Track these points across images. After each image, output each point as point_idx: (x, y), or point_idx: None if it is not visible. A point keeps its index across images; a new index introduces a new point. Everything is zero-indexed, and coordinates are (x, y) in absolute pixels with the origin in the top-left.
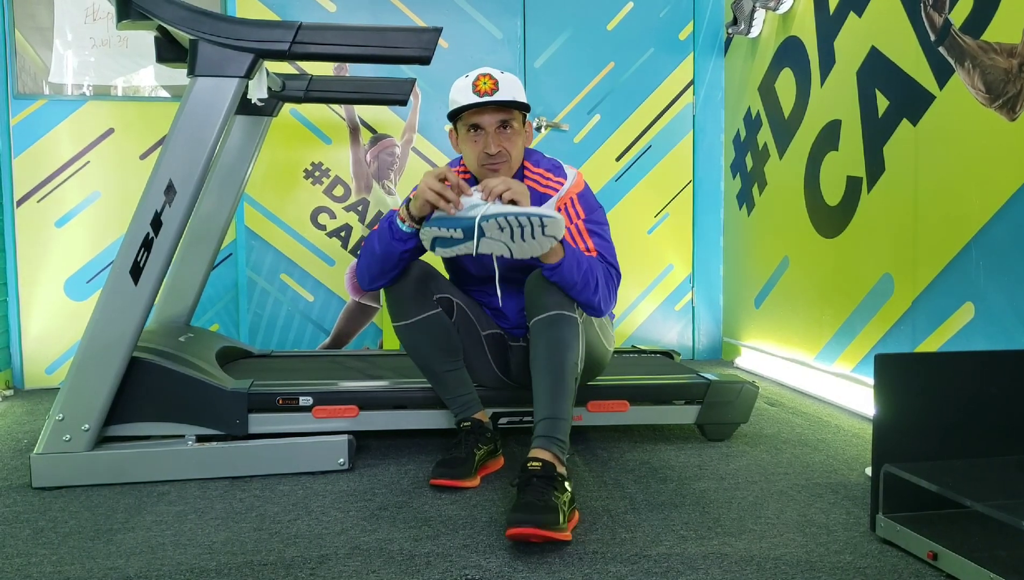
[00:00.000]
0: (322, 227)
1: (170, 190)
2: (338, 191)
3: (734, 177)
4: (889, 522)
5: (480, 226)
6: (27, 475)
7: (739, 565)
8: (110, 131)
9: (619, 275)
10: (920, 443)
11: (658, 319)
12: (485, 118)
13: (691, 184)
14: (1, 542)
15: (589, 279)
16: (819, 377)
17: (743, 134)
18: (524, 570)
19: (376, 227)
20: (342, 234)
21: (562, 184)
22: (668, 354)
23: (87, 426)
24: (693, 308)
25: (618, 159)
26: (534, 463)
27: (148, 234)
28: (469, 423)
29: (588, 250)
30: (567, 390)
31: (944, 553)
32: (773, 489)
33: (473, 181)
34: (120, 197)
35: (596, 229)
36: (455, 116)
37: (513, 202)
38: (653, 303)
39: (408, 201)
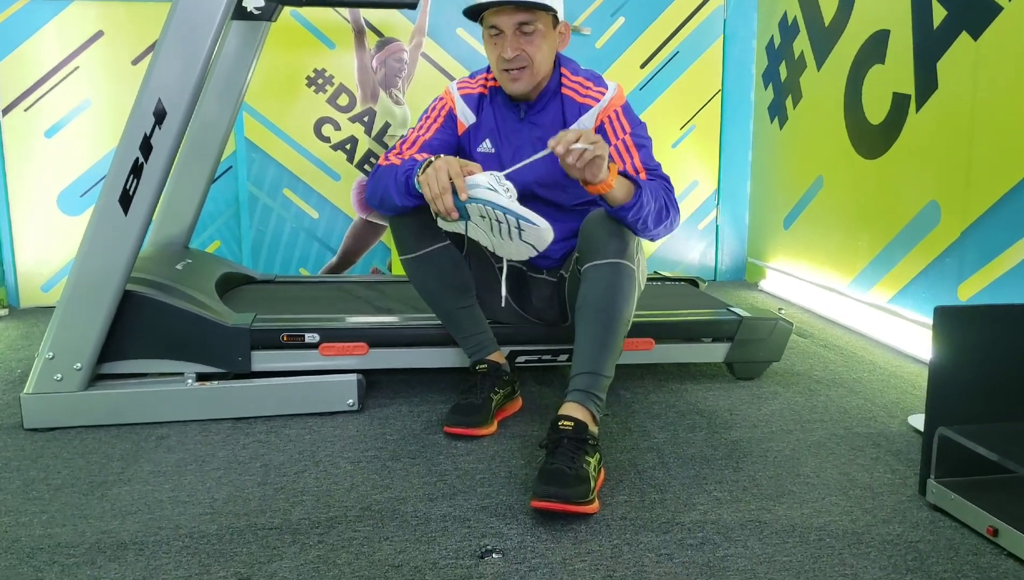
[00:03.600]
0: (326, 139)
1: (160, 111)
2: (343, 100)
3: (766, 87)
4: (941, 489)
5: (466, 207)
6: (19, 413)
7: (780, 536)
8: (99, 34)
9: (673, 190)
10: (977, 403)
11: (680, 238)
12: (502, 19)
13: (719, 94)
14: None
15: (661, 213)
16: (852, 306)
17: (777, 41)
18: (548, 539)
19: (392, 158)
20: (347, 147)
21: (603, 94)
22: (693, 282)
23: (79, 365)
24: (717, 227)
25: (642, 66)
26: (566, 422)
27: (137, 159)
28: (485, 366)
29: (636, 169)
30: (615, 345)
31: (1006, 530)
32: (810, 440)
33: (499, 93)
34: (112, 105)
35: (642, 143)
36: (476, 15)
37: (594, 160)
38: None
39: (425, 164)
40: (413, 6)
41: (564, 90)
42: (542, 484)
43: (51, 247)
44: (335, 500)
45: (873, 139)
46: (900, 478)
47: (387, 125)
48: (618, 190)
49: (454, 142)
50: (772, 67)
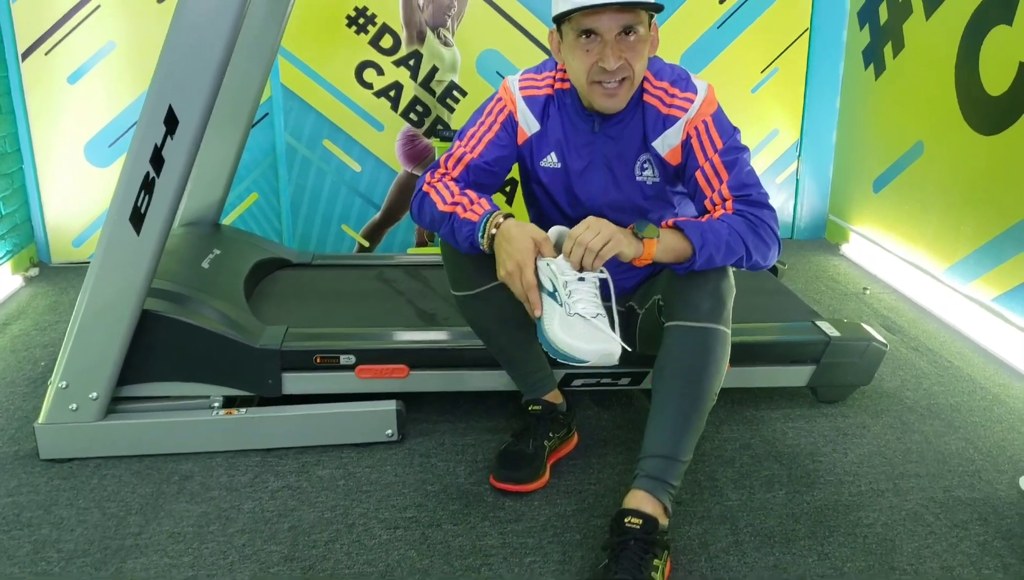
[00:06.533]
0: (369, 85)
1: (171, 119)
2: (386, 42)
3: (861, 28)
4: None
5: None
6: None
7: None
8: None
9: (772, 212)
10: None
11: None
12: (604, 21)
13: (807, 33)
14: None
15: (742, 258)
16: (948, 296)
17: None
18: None
19: (436, 183)
20: (391, 94)
21: (691, 101)
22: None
23: (95, 394)
24: (797, 180)
25: (722, 1)
26: (633, 520)
27: (148, 173)
28: (539, 407)
29: (723, 197)
30: (698, 425)
31: None
32: (905, 508)
33: (570, 96)
34: (138, 48)
35: (735, 158)
36: (561, 16)
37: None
38: None
39: (486, 233)
40: None
41: (646, 97)
42: None
43: (80, 200)
44: None
45: (990, 112)
46: (1013, 578)
47: (435, 69)
48: (666, 253)
49: (510, 155)
50: (870, 5)
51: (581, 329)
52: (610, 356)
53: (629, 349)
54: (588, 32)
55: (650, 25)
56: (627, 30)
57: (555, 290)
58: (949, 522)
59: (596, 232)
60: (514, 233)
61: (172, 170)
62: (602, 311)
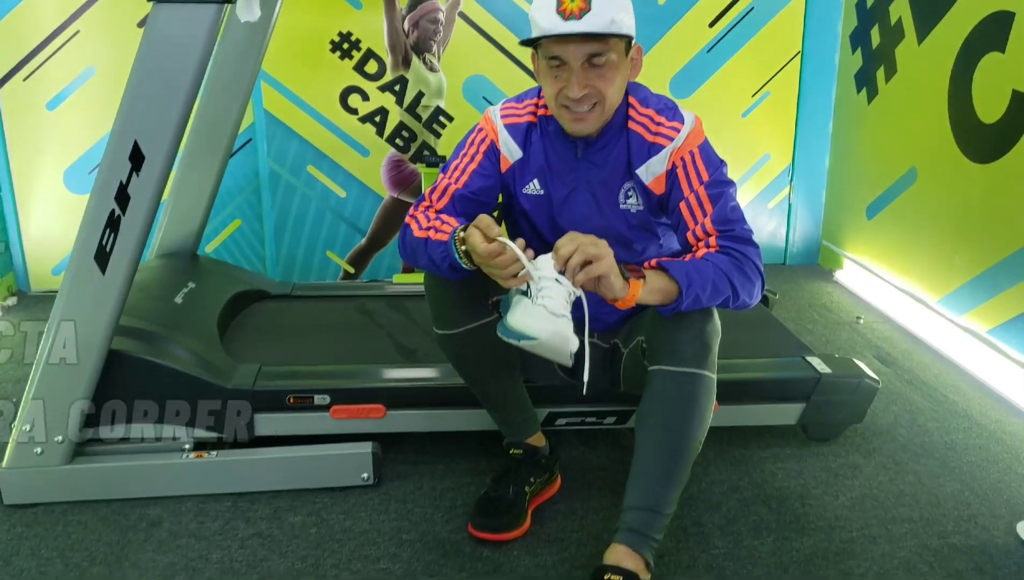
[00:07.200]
0: (353, 111)
1: (137, 155)
2: (371, 67)
3: (853, 52)
4: None
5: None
6: None
7: None
8: None
9: (756, 249)
10: None
11: (747, 217)
12: (569, 49)
13: (799, 56)
14: None
15: (728, 299)
16: (942, 326)
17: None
18: None
19: (421, 215)
20: (376, 119)
21: (677, 130)
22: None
23: (60, 438)
24: (790, 205)
25: (711, 25)
26: (613, 577)
27: (113, 211)
28: (520, 451)
29: (707, 232)
30: (682, 475)
31: None
32: (898, 556)
33: (552, 122)
34: (118, 73)
35: (720, 192)
36: (532, 41)
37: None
38: (743, 199)
39: (458, 249)
40: None
41: (631, 124)
42: None
43: (60, 227)
44: None
45: (984, 140)
46: None
47: (420, 95)
48: (651, 295)
49: (495, 185)
50: (862, 29)
51: (540, 314)
52: (565, 341)
53: (585, 379)
54: (556, 58)
55: (628, 50)
56: (595, 57)
57: (527, 289)
58: (944, 571)
59: (594, 243)
60: (473, 224)
61: (138, 207)
62: (568, 316)
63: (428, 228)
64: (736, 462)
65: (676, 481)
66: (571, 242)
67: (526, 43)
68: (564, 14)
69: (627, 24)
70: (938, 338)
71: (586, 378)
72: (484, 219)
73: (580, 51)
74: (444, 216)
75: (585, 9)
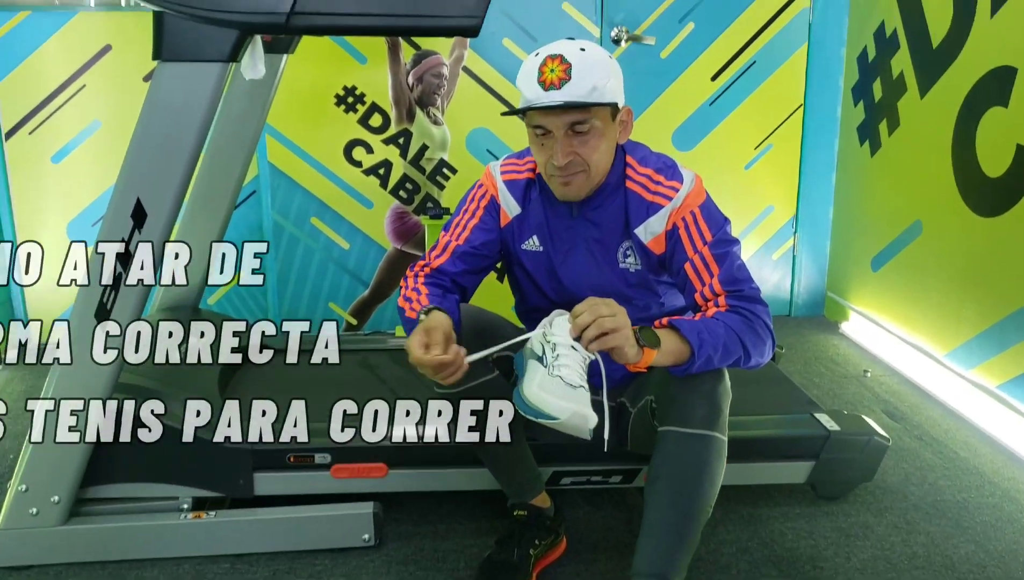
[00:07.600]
0: (358, 163)
1: (139, 213)
2: (375, 120)
3: (856, 104)
4: None
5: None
6: None
7: None
8: (107, 48)
9: (765, 307)
10: None
11: (752, 269)
12: (551, 119)
13: (801, 109)
14: None
15: (740, 359)
16: (951, 381)
17: (872, 53)
18: None
19: (419, 272)
20: (380, 172)
21: (676, 189)
22: None
23: (57, 498)
24: (794, 256)
25: (714, 78)
26: None
27: (115, 268)
28: (524, 512)
29: (715, 293)
30: (693, 540)
31: None
32: None
33: (544, 189)
34: (123, 126)
35: (725, 251)
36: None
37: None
38: (747, 251)
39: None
40: (475, 33)
41: (630, 184)
42: None
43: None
44: None
45: (988, 194)
46: None
47: (424, 148)
48: (664, 357)
49: (496, 239)
50: (864, 82)
51: (558, 389)
52: (584, 419)
53: (606, 437)
54: (540, 127)
55: (615, 116)
56: (577, 125)
57: (543, 354)
58: None
59: (613, 314)
60: (422, 326)
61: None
62: (585, 386)
63: (407, 298)
64: (745, 521)
65: (687, 546)
66: (590, 313)
67: (511, 113)
68: (545, 85)
69: (610, 90)
70: (947, 392)
71: (607, 435)
72: (436, 326)
73: (562, 120)
74: (424, 289)
75: (565, 79)
